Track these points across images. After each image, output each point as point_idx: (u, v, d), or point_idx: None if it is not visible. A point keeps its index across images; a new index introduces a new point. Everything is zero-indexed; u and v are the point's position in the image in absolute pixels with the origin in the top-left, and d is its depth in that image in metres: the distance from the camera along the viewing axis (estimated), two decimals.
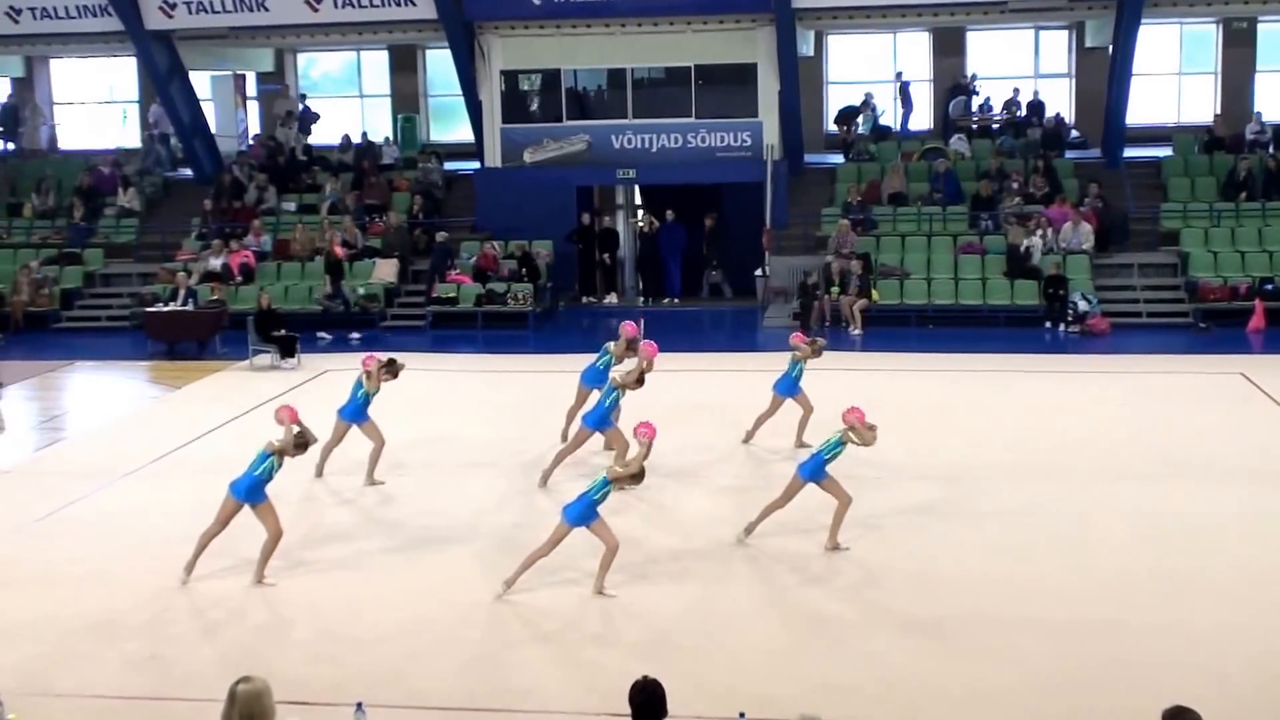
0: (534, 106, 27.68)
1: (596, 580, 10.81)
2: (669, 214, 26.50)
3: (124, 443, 16.38)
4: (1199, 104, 29.07)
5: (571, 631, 10.29)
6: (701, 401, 17.54)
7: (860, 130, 28.68)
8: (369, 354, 14.62)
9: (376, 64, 32.14)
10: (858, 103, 29.13)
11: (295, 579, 11.34)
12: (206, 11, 27.09)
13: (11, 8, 27.91)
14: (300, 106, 31.12)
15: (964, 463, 14.52)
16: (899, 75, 29.50)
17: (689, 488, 13.84)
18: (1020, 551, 11.79)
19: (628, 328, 14.69)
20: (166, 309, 23.15)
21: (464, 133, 29.03)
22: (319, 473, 14.20)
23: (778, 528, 12.02)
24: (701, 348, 21.69)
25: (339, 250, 25.30)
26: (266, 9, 26.87)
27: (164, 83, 28.21)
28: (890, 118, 29.79)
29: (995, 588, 10.96)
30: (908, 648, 9.80)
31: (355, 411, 14.09)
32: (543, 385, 16.98)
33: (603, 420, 13.55)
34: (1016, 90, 28.83)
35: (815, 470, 11.66)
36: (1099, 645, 9.75)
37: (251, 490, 11.11)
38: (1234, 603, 10.56)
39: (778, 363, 15.29)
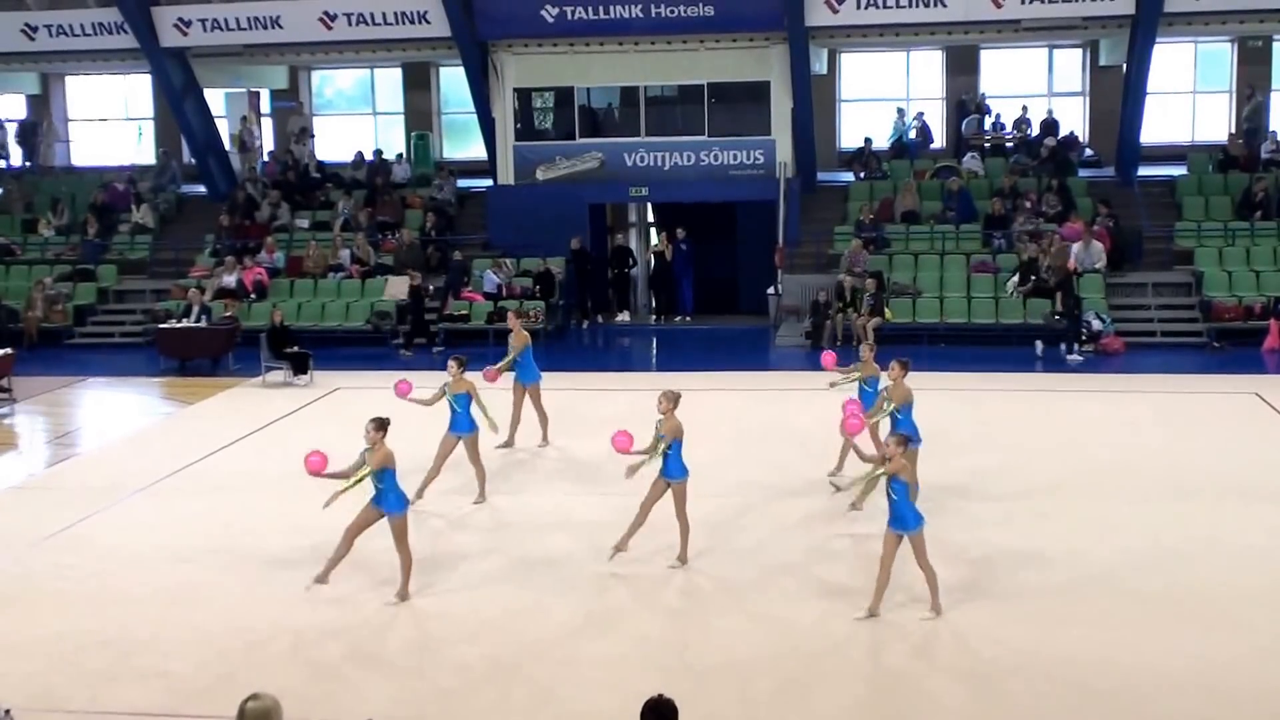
0: (547, 124, 27.74)
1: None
2: (680, 232, 26.50)
3: (136, 459, 16.39)
4: (1214, 123, 29.01)
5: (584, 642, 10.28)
6: (715, 420, 17.50)
7: (880, 147, 28.62)
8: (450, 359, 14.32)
9: (390, 81, 32.22)
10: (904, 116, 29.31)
11: (309, 597, 11.32)
12: (221, 29, 27.24)
13: (27, 25, 28.10)
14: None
15: (984, 481, 14.43)
16: (920, 115, 29.46)
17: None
18: (1040, 569, 11.73)
19: None
20: (180, 325, 23.21)
21: (477, 150, 29.08)
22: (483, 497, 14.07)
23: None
24: (714, 366, 21.68)
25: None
26: (281, 27, 27.01)
27: (178, 100, 28.33)
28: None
29: (1015, 605, 10.93)
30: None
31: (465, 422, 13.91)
32: (556, 402, 16.97)
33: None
34: (1025, 108, 28.77)
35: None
36: (1121, 664, 9.70)
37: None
38: (1255, 626, 10.47)
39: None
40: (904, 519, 10.42)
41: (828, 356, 14.90)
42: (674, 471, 11.73)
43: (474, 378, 14.21)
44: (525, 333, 16.54)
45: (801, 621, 10.72)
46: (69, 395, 21.01)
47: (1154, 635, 10.28)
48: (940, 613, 10.56)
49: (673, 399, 11.79)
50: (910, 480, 10.51)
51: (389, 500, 11.01)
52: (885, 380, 13.63)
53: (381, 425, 10.97)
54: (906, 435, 11.06)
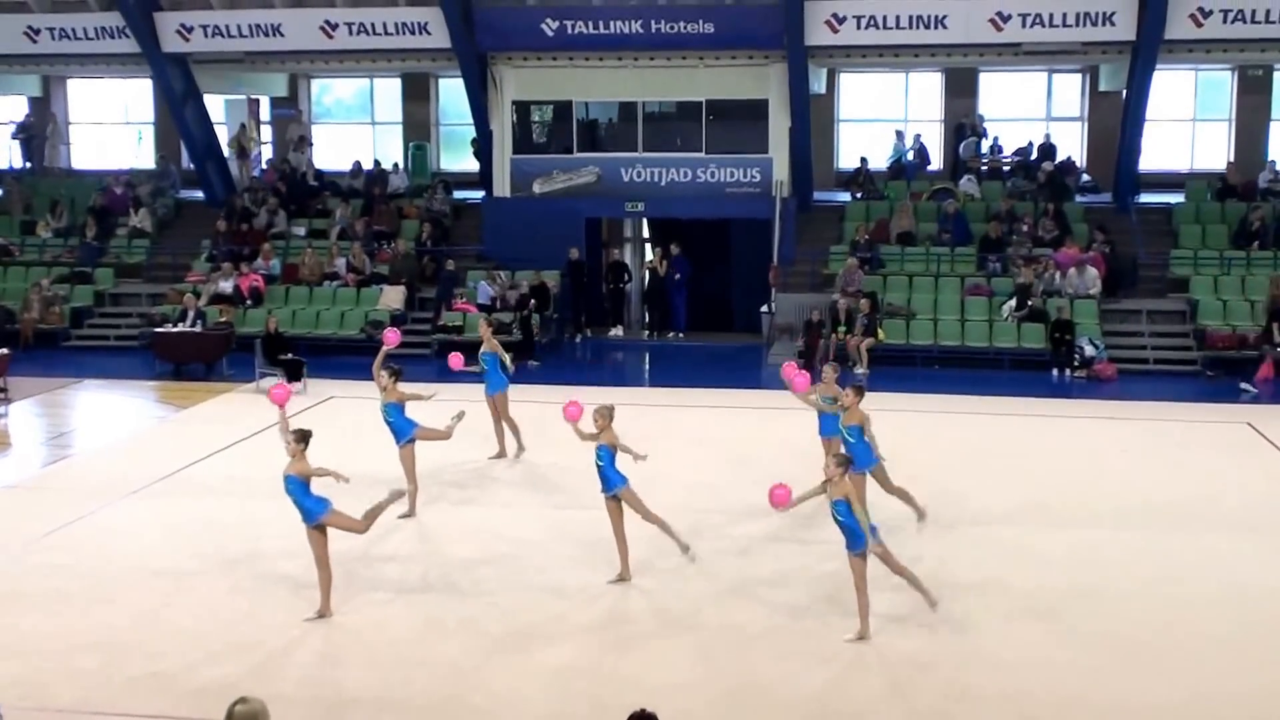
0: (545, 137, 27.79)
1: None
2: (675, 248, 26.54)
3: (129, 462, 16.40)
4: (1212, 151, 29.10)
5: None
6: (705, 438, 17.54)
7: (877, 168, 28.69)
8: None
9: (389, 91, 32.28)
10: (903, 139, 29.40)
11: (301, 604, 11.33)
12: (223, 36, 27.29)
13: (30, 27, 28.12)
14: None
15: (970, 507, 14.42)
16: (918, 138, 29.53)
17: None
18: (1019, 595, 11.75)
19: None
20: (175, 330, 23.22)
21: (474, 161, 29.11)
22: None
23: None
24: (706, 383, 21.68)
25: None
26: (282, 34, 27.07)
27: (178, 105, 28.38)
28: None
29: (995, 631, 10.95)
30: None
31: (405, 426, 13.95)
32: (544, 414, 16.97)
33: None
34: (1031, 143, 28.78)
35: None
36: (1102, 691, 9.71)
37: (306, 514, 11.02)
38: (1245, 653, 10.51)
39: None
40: (859, 537, 10.45)
41: (793, 371, 14.02)
42: (616, 483, 11.81)
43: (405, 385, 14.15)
44: (495, 341, 16.53)
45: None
46: (64, 397, 20.99)
47: (1136, 665, 10.27)
48: (868, 637, 10.53)
49: (607, 414, 11.89)
50: (853, 500, 10.49)
51: (310, 510, 10.94)
52: (841, 402, 13.68)
53: (303, 438, 10.99)
54: (848, 456, 11.17)
